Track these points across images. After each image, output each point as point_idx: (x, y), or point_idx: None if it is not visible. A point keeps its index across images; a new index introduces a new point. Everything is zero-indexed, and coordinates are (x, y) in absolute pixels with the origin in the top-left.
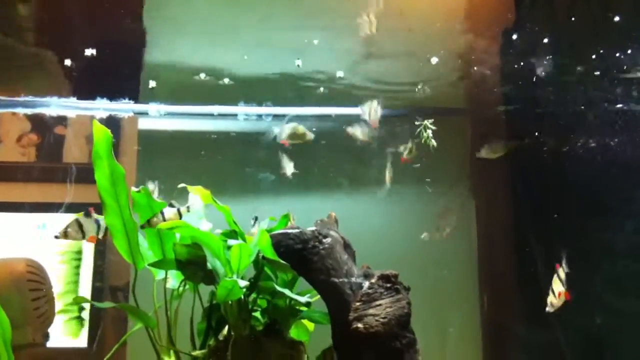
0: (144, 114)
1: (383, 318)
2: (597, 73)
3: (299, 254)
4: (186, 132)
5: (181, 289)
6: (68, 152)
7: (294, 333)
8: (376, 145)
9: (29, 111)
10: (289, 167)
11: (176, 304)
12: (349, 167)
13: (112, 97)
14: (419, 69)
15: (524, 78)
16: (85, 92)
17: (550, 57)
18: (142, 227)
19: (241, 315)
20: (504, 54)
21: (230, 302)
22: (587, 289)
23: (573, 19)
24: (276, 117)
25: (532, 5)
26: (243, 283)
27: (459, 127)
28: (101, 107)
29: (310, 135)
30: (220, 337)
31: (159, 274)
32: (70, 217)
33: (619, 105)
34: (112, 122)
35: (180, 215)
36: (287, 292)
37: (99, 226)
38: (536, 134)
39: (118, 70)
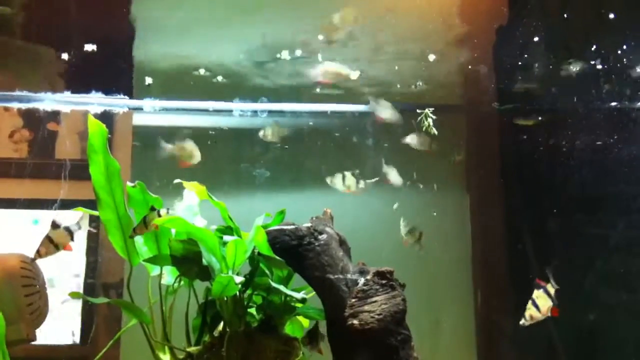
0: (139, 109)
1: (378, 315)
2: (591, 70)
3: (294, 250)
4: (182, 128)
5: (176, 285)
6: (61, 148)
7: (289, 329)
8: (371, 142)
9: (23, 106)
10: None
11: (171, 300)
12: (344, 163)
13: (106, 91)
14: (414, 67)
15: (519, 74)
16: (79, 86)
17: (544, 53)
18: (131, 236)
19: (236, 311)
20: (498, 51)
21: (225, 298)
22: (580, 285)
23: (566, 15)
24: (271, 112)
25: (525, 2)
26: (238, 279)
27: (455, 124)
28: (95, 102)
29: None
30: (216, 333)
31: (154, 270)
32: (61, 215)
33: (613, 103)
34: (106, 117)
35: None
36: (282, 288)
37: (70, 232)
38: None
39: (110, 65)
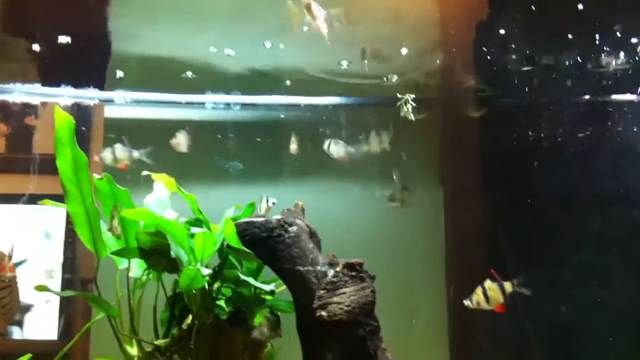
0: (110, 101)
1: (347, 306)
2: (569, 63)
3: (264, 243)
4: (154, 121)
5: (144, 278)
6: (38, 142)
7: (258, 322)
8: (344, 134)
9: None
10: None
11: (139, 293)
12: (316, 156)
13: (77, 84)
14: (390, 60)
15: (497, 70)
16: (51, 79)
17: (523, 49)
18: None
19: (205, 303)
20: (477, 46)
21: (193, 290)
22: (554, 280)
23: (545, 11)
24: (245, 105)
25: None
26: (206, 271)
27: (429, 118)
28: (66, 95)
29: None
30: (184, 326)
31: (122, 263)
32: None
33: (590, 96)
34: (82, 110)
35: None
36: (251, 280)
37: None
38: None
39: (83, 58)
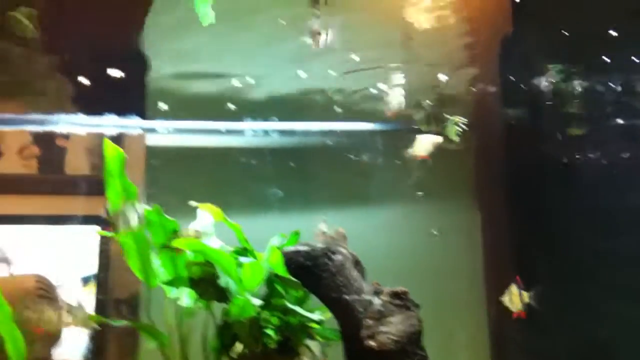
0: (152, 130)
1: (395, 335)
2: (599, 82)
3: (309, 271)
4: (194, 148)
5: (193, 306)
6: (70, 163)
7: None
8: (381, 160)
9: (38, 128)
10: None
11: (188, 321)
12: (355, 182)
13: (119, 113)
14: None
15: (525, 89)
16: (92, 108)
17: (550, 66)
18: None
19: (253, 332)
20: (504, 65)
21: (242, 319)
22: (592, 300)
23: (569, 28)
24: (283, 133)
25: (529, 15)
26: (257, 302)
27: (463, 140)
28: (109, 124)
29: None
30: (233, 355)
31: (171, 292)
32: None
33: (622, 117)
34: (119, 139)
35: None
36: (298, 309)
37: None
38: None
39: (123, 87)
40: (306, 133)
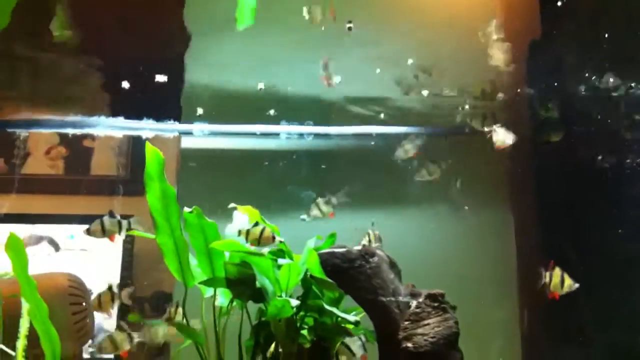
0: (188, 133)
1: (432, 337)
2: (628, 86)
3: (345, 273)
4: (227, 151)
5: (229, 306)
6: (96, 164)
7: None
8: (416, 163)
9: (78, 131)
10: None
11: (224, 321)
12: (390, 185)
13: (157, 117)
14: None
15: (555, 92)
16: (129, 112)
17: (580, 70)
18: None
19: (289, 333)
20: (532, 67)
21: (279, 320)
22: (627, 305)
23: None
24: (317, 135)
25: (557, 18)
26: (294, 302)
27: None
28: (147, 127)
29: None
30: (268, 354)
31: (207, 292)
32: None
33: None
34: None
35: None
36: (335, 310)
37: (120, 225)
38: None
39: (160, 91)
40: (340, 137)
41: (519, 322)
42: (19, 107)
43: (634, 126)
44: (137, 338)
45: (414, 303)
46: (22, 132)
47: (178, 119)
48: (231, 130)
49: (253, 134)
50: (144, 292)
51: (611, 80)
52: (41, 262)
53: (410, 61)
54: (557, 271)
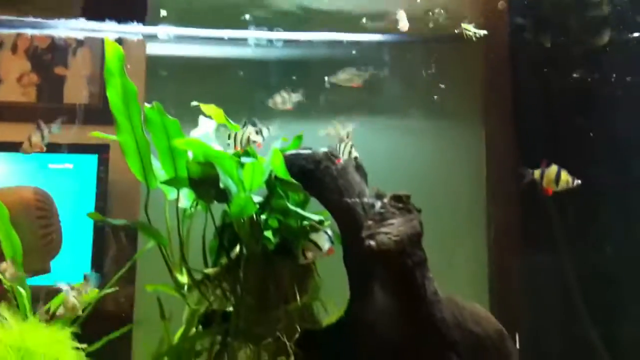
0: (153, 37)
1: (395, 236)
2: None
3: (311, 174)
4: (195, 58)
5: (193, 209)
6: (69, 92)
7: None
8: (390, 73)
9: (37, 32)
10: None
11: (188, 223)
12: (361, 94)
13: (120, 19)
14: None
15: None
16: (93, 12)
17: None
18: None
19: (254, 233)
20: None
21: (243, 219)
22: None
23: None
24: (287, 42)
25: None
26: (257, 199)
27: (472, 55)
28: (109, 30)
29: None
30: (232, 256)
31: (171, 194)
32: None
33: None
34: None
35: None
36: (299, 210)
37: None
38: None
39: None
40: (310, 44)
41: (485, 231)
42: None
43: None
44: None
45: (378, 204)
46: None
47: (143, 21)
48: (198, 34)
49: (221, 40)
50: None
51: None
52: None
53: None
54: (553, 167)
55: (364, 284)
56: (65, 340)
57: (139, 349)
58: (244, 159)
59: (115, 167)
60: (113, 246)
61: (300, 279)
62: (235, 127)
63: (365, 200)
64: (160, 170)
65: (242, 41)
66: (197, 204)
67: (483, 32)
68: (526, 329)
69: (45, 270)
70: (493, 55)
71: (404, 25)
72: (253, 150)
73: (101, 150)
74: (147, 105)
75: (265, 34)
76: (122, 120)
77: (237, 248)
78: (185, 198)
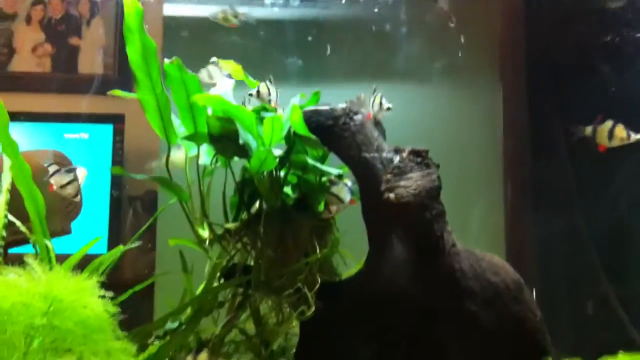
0: None
1: (414, 189)
2: None
3: (330, 130)
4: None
5: (213, 165)
6: (83, 62)
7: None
8: (402, 32)
9: None
10: None
11: (208, 179)
12: (378, 56)
13: None
14: None
15: None
16: None
17: None
18: None
19: (273, 188)
20: None
21: (262, 175)
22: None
23: None
24: (304, 1)
25: None
26: (277, 152)
27: (489, 9)
28: None
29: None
30: (253, 211)
31: (191, 151)
32: None
33: None
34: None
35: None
36: (319, 165)
37: None
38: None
39: None
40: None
41: (502, 191)
42: None
43: None
44: None
45: (397, 158)
46: None
47: None
48: None
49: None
50: (135, 191)
51: None
52: None
53: None
54: (608, 122)
55: (383, 237)
56: (92, 288)
57: (161, 304)
58: (263, 113)
59: (131, 136)
60: (129, 215)
61: (319, 233)
62: (254, 84)
63: (384, 154)
64: (180, 127)
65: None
66: (217, 161)
67: None
68: (540, 281)
69: (66, 231)
70: (509, 12)
71: None
72: (272, 108)
73: (117, 120)
74: (166, 61)
75: None
76: (142, 78)
77: (257, 203)
78: (206, 154)
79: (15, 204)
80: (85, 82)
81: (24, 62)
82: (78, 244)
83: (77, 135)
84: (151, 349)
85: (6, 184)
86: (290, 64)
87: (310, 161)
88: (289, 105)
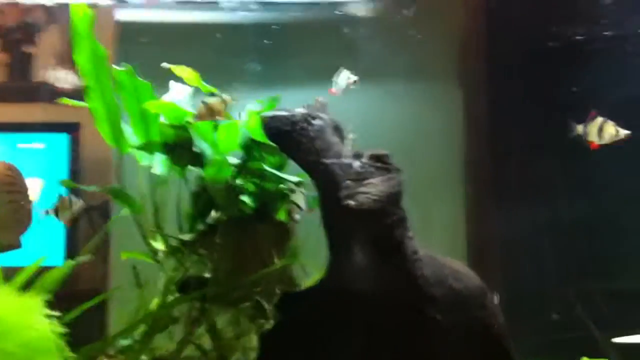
0: (123, 1)
1: (374, 195)
2: None
3: (288, 135)
4: (166, 23)
5: (167, 175)
6: (38, 71)
7: (282, 217)
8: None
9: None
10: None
11: (162, 189)
12: (338, 59)
13: None
14: None
15: None
16: None
17: None
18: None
19: (230, 197)
20: None
21: (218, 183)
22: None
23: None
24: (263, 4)
25: None
26: (233, 160)
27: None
28: None
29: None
30: (209, 221)
31: (144, 160)
32: None
33: None
34: None
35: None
36: (276, 172)
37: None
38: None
39: None
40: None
41: (462, 185)
42: None
43: None
44: None
45: (356, 163)
46: None
47: None
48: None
49: (193, 3)
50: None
51: None
52: None
53: None
54: (597, 120)
55: (343, 244)
56: (39, 307)
57: (115, 320)
58: (218, 121)
59: (87, 145)
60: (86, 226)
61: (278, 242)
62: (210, 90)
63: (343, 160)
64: (132, 136)
65: (214, 4)
66: (171, 170)
67: None
68: (504, 285)
69: (15, 245)
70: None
71: None
72: (228, 114)
73: (72, 128)
74: (116, 67)
75: None
76: (92, 85)
77: (213, 213)
78: (159, 164)
79: None
80: (40, 91)
81: None
82: (35, 256)
83: (31, 145)
84: None
85: None
86: (249, 68)
87: (268, 168)
88: (246, 111)
